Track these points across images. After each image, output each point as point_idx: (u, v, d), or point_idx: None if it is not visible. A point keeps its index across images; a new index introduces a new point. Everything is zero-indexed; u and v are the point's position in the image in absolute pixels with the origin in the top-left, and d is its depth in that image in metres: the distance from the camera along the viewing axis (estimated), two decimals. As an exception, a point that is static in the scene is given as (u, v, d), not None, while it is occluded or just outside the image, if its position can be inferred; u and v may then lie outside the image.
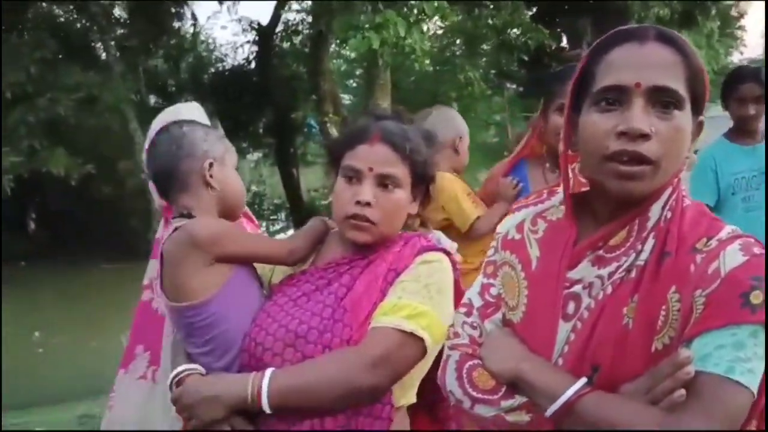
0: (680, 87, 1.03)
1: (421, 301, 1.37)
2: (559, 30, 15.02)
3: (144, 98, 12.71)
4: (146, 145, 1.65)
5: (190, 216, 1.51)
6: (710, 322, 0.96)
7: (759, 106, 2.91)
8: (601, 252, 1.08)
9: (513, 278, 1.18)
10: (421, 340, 1.34)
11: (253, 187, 15.04)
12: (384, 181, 1.45)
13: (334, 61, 12.77)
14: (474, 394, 1.11)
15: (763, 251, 1.00)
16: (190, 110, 1.81)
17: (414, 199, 1.52)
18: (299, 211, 13.29)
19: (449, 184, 2.47)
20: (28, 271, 11.47)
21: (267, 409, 1.30)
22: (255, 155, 15.86)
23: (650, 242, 1.04)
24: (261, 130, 14.70)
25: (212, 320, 1.43)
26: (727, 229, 1.04)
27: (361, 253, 1.48)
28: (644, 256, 1.03)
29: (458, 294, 1.43)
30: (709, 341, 0.95)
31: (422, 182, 1.52)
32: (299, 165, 14.81)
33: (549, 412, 1.02)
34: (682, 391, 0.93)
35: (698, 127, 1.08)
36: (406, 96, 12.90)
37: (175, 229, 1.47)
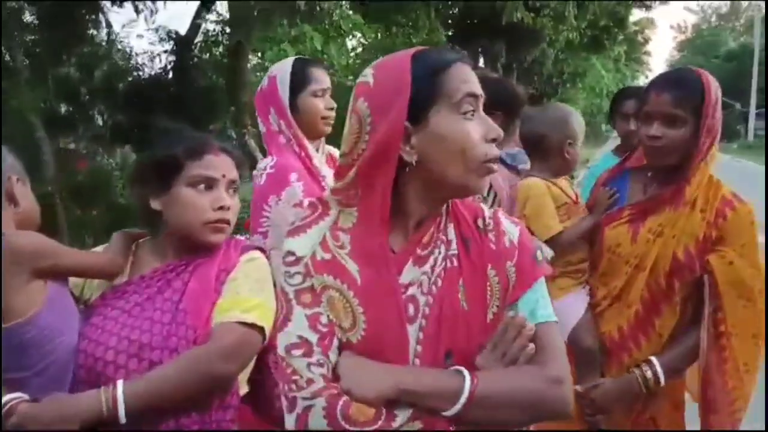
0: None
1: (255, 294, 1.50)
2: (479, 49, 15.44)
3: (54, 106, 12.20)
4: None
5: None
6: (524, 285, 1.20)
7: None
8: (418, 251, 1.16)
9: (341, 299, 1.14)
10: (262, 328, 1.47)
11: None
12: (232, 186, 1.59)
13: (258, 74, 12.67)
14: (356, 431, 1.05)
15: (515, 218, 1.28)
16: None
17: None
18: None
19: (537, 194, 2.18)
20: None
21: (123, 419, 1.32)
22: (172, 167, 15.39)
23: (450, 229, 1.20)
24: (178, 142, 14.35)
25: (42, 336, 1.38)
26: (485, 209, 1.27)
27: (186, 259, 1.54)
28: (453, 246, 1.19)
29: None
30: (529, 298, 1.19)
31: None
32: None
33: (453, 411, 1.06)
34: (532, 345, 1.12)
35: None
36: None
37: None
